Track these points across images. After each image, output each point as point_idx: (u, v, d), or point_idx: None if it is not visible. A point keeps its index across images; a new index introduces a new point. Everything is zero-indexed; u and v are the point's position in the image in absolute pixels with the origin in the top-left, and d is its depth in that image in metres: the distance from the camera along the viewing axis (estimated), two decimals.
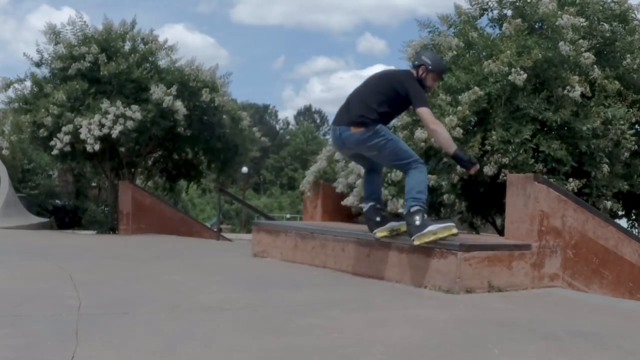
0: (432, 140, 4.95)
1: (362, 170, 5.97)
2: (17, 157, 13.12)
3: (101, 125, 8.83)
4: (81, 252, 6.35)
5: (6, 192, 11.24)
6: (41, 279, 4.04)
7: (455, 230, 3.80)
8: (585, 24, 5.26)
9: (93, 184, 16.24)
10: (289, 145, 57.73)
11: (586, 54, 5.03)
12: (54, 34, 9.73)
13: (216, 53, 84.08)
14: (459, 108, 5.00)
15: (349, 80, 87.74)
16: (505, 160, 4.89)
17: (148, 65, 9.79)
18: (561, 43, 4.96)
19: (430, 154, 5.37)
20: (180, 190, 15.57)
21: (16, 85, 9.87)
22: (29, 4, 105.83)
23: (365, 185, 4.34)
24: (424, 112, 3.87)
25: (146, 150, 10.46)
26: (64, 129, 8.98)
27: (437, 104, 5.19)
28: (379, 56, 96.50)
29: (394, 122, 5.84)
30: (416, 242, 3.67)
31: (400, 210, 5.14)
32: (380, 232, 4.01)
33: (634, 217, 6.17)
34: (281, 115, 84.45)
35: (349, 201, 6.63)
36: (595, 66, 5.13)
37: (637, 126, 5.63)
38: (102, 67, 9.16)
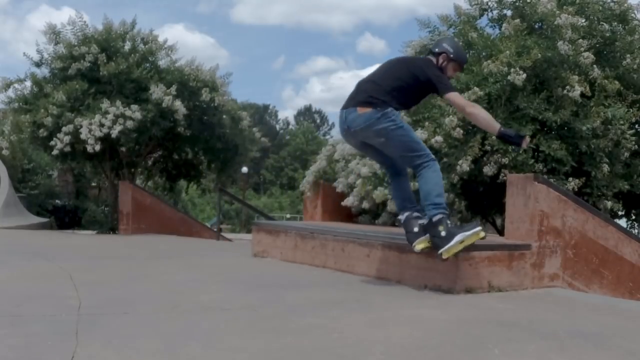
0: (433, 140, 4.96)
1: (362, 170, 5.92)
2: (17, 157, 13.12)
3: (101, 125, 8.83)
4: (81, 252, 6.35)
5: (6, 192, 11.24)
6: (41, 279, 4.04)
7: (483, 234, 3.56)
8: (585, 23, 5.27)
9: (93, 184, 16.24)
10: (289, 145, 57.74)
11: (586, 54, 5.04)
12: (54, 33, 9.74)
13: (216, 53, 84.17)
14: None
15: (349, 80, 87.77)
16: (505, 160, 4.90)
17: (148, 65, 9.79)
18: (560, 42, 4.96)
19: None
20: (180, 190, 15.57)
21: (16, 85, 9.88)
22: (28, 4, 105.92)
23: (394, 194, 3.90)
24: (454, 96, 3.55)
25: (146, 150, 10.46)
26: (64, 129, 8.98)
27: (437, 104, 5.20)
28: (379, 56, 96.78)
29: None
30: (445, 256, 3.33)
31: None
32: (420, 244, 3.53)
33: (633, 217, 6.18)
34: (281, 115, 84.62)
35: (349, 201, 6.64)
36: (595, 66, 5.14)
37: (637, 126, 5.64)
38: (102, 67, 9.16)
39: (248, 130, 11.59)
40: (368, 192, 6.17)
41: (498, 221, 6.04)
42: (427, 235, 3.50)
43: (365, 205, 6.55)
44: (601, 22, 5.56)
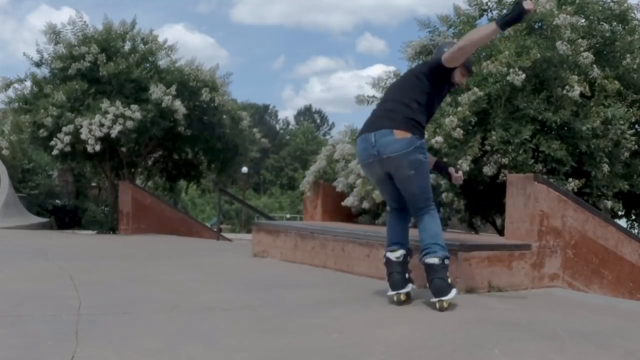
0: (433, 141, 4.96)
1: (362, 170, 5.82)
2: (17, 157, 13.12)
3: (101, 125, 8.83)
4: (81, 252, 6.35)
5: (6, 192, 11.24)
6: (41, 279, 4.04)
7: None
8: (584, 23, 5.26)
9: (93, 184, 16.24)
10: (289, 145, 57.74)
11: (585, 54, 5.03)
12: (54, 33, 9.74)
13: (216, 53, 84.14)
14: (459, 109, 5.00)
15: (348, 80, 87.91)
16: (505, 160, 4.89)
17: (148, 65, 9.79)
18: (559, 42, 4.96)
19: (430, 154, 5.36)
20: (180, 190, 15.58)
21: (16, 85, 9.87)
22: (28, 4, 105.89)
23: (393, 226, 3.41)
24: (446, 54, 3.20)
25: (146, 150, 10.46)
26: (64, 129, 8.98)
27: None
28: (379, 56, 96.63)
29: None
30: (445, 305, 2.99)
31: None
32: (405, 294, 3.19)
33: (633, 217, 6.18)
34: (281, 115, 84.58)
35: (349, 201, 6.63)
36: (594, 66, 5.13)
37: (637, 126, 5.63)
38: (102, 67, 9.16)
39: (248, 130, 11.59)
40: (368, 192, 6.17)
41: (498, 221, 6.04)
42: (411, 285, 3.22)
43: (365, 205, 6.54)
44: (601, 22, 5.56)
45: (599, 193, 5.12)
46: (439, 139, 4.97)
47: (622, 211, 5.84)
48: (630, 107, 5.19)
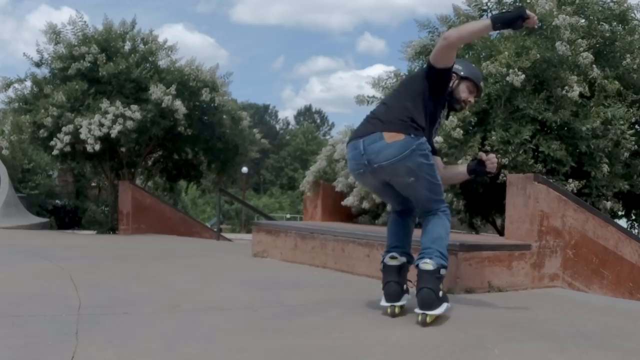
0: (433, 141, 4.96)
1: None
2: (17, 157, 13.14)
3: (101, 125, 8.83)
4: (81, 252, 6.35)
5: (6, 192, 11.24)
6: (41, 279, 4.04)
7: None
8: (584, 23, 5.26)
9: (93, 184, 16.26)
10: (289, 145, 57.75)
11: (585, 54, 5.04)
12: (54, 33, 9.74)
13: (216, 53, 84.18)
14: None
15: (348, 80, 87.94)
16: (505, 160, 4.90)
17: (148, 65, 9.79)
18: (558, 43, 4.96)
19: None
20: (180, 191, 15.58)
21: (16, 85, 9.87)
22: (28, 4, 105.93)
23: (395, 230, 3.01)
24: (432, 52, 2.85)
25: (146, 150, 10.46)
26: (64, 129, 8.98)
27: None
28: (379, 56, 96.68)
29: None
30: (428, 320, 2.65)
31: None
32: (400, 306, 2.87)
33: (633, 217, 6.18)
34: (281, 115, 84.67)
35: (349, 201, 6.64)
36: (594, 66, 5.14)
37: (637, 126, 5.63)
38: (101, 68, 9.16)
39: (248, 130, 11.59)
40: (368, 192, 6.17)
41: (498, 221, 6.05)
42: (407, 297, 2.89)
43: (365, 205, 6.55)
44: (601, 22, 5.56)
45: (599, 193, 5.12)
46: (439, 139, 4.97)
47: (622, 211, 5.84)
48: (630, 107, 5.19)
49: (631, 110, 5.14)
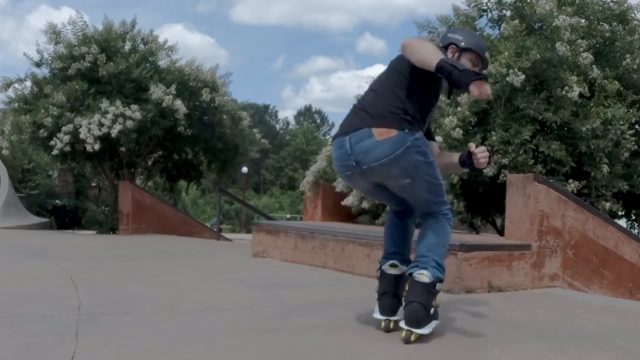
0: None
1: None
2: (17, 157, 13.14)
3: (100, 125, 8.83)
4: (81, 252, 6.35)
5: (6, 192, 11.25)
6: (41, 279, 4.04)
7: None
8: (584, 24, 5.26)
9: (93, 184, 16.27)
10: (289, 145, 57.75)
11: (584, 54, 5.04)
12: (54, 33, 9.74)
13: (216, 53, 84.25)
14: (459, 109, 5.00)
15: (348, 80, 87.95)
16: (505, 160, 4.90)
17: (148, 65, 9.80)
18: (558, 43, 4.97)
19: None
20: (180, 191, 15.59)
21: (16, 85, 9.88)
22: (28, 3, 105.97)
23: (393, 234, 2.67)
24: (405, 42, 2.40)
25: (146, 150, 10.46)
26: (63, 129, 8.99)
27: (437, 105, 5.20)
28: (379, 56, 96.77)
29: None
30: (412, 339, 2.33)
31: None
32: (395, 322, 2.52)
33: (633, 217, 6.18)
34: (281, 115, 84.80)
35: (349, 201, 6.64)
36: (594, 66, 5.14)
37: (637, 126, 5.64)
38: (101, 68, 9.16)
39: (248, 130, 11.59)
40: None
41: (498, 221, 6.05)
42: (402, 309, 2.46)
43: (365, 205, 6.55)
44: (601, 22, 5.56)
45: (599, 193, 5.12)
46: (439, 139, 4.97)
47: (621, 211, 5.85)
48: (630, 108, 5.20)
49: (631, 111, 5.14)
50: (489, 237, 5.50)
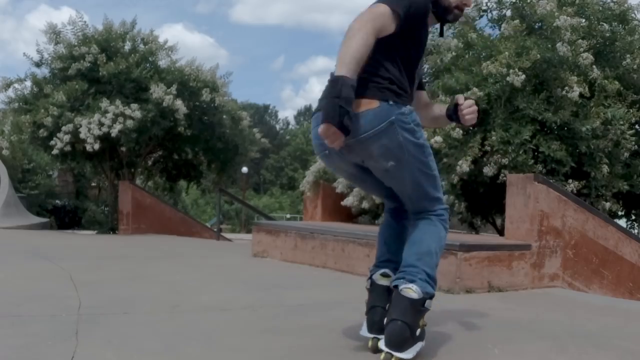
0: (432, 141, 4.96)
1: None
2: (17, 157, 13.15)
3: (100, 125, 8.84)
4: (81, 252, 6.35)
5: (6, 192, 11.25)
6: (41, 279, 4.04)
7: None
8: (584, 24, 5.26)
9: (93, 184, 16.28)
10: (289, 145, 57.75)
11: (585, 54, 5.04)
12: (54, 33, 9.75)
13: (216, 53, 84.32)
14: None
15: None
16: (505, 161, 4.90)
17: (148, 65, 9.80)
18: (559, 44, 4.97)
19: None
20: (181, 191, 15.60)
21: (16, 85, 9.89)
22: (28, 3, 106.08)
23: (386, 240, 2.33)
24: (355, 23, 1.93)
25: (146, 150, 10.46)
26: (63, 128, 8.99)
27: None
28: None
29: None
30: None
31: None
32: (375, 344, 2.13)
33: (633, 217, 6.18)
34: (281, 115, 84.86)
35: (349, 201, 6.64)
36: (594, 66, 5.14)
37: (637, 126, 5.64)
38: (101, 67, 9.17)
39: (248, 130, 11.60)
40: None
41: (498, 221, 6.05)
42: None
43: (365, 205, 6.55)
44: (601, 23, 5.56)
45: (598, 194, 5.13)
46: (439, 139, 4.97)
47: (621, 211, 5.85)
48: (630, 108, 5.20)
49: (631, 111, 5.14)
50: (489, 237, 5.49)
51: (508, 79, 4.85)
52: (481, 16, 5.95)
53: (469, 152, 4.94)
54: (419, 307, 2.03)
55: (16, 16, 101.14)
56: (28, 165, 14.30)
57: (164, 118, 9.39)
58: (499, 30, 5.66)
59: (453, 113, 2.39)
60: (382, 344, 2.02)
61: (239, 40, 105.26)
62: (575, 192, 4.88)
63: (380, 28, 1.96)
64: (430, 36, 6.36)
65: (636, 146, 5.29)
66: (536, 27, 5.50)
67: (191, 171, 11.61)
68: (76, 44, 9.58)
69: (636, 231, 6.16)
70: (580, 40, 5.10)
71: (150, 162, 11.53)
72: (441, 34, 2.66)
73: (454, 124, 4.81)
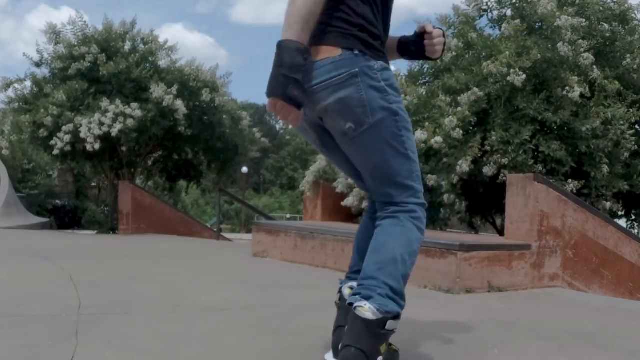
0: (433, 141, 4.96)
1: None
2: (17, 157, 13.15)
3: (101, 124, 8.84)
4: (81, 252, 6.35)
5: (6, 192, 11.25)
6: (41, 279, 4.04)
7: None
8: (585, 24, 5.26)
9: (93, 184, 16.28)
10: (289, 145, 57.75)
11: (585, 55, 5.04)
12: (54, 33, 9.75)
13: (216, 53, 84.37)
14: (459, 109, 5.00)
15: None
16: (505, 160, 4.90)
17: (148, 65, 9.81)
18: (559, 44, 4.97)
19: (430, 154, 5.36)
20: (181, 191, 15.60)
21: (16, 85, 9.90)
22: (27, 3, 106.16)
23: (359, 244, 2.15)
24: None
25: (146, 150, 10.47)
26: (64, 128, 9.00)
27: (437, 105, 5.20)
28: None
29: None
30: None
31: None
32: None
33: (633, 217, 6.18)
34: None
35: (349, 201, 6.63)
36: (594, 66, 5.14)
37: (637, 126, 5.64)
38: (101, 67, 9.17)
39: (248, 130, 11.60)
40: None
41: (498, 221, 6.05)
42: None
43: (365, 205, 6.54)
44: (601, 23, 5.57)
45: (599, 194, 5.13)
46: (439, 139, 4.97)
47: (621, 211, 5.85)
48: (630, 108, 5.20)
49: (631, 111, 5.15)
50: (489, 237, 5.49)
51: (509, 78, 4.85)
52: (481, 16, 5.95)
53: (469, 152, 4.94)
54: (376, 329, 1.63)
55: (16, 16, 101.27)
56: (28, 165, 14.29)
57: (164, 118, 9.40)
58: (499, 30, 5.66)
59: (414, 44, 1.96)
60: None
61: (238, 40, 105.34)
62: (575, 192, 4.88)
63: None
64: None
65: (636, 146, 5.30)
66: (537, 27, 5.50)
67: (191, 171, 11.61)
68: (76, 44, 9.58)
69: (636, 231, 6.16)
70: (580, 41, 5.10)
71: (150, 162, 11.53)
72: None
73: (456, 124, 4.80)
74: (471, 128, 5.26)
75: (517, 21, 5.19)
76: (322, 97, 1.66)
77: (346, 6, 1.68)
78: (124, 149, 9.66)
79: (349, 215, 7.01)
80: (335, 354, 1.82)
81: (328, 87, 1.64)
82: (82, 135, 8.88)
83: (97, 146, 8.91)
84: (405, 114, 1.75)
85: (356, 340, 1.62)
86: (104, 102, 8.97)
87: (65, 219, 14.56)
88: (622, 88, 5.23)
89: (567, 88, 4.95)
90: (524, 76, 4.83)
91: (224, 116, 10.70)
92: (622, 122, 5.03)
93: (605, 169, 5.06)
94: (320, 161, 7.45)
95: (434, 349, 2.30)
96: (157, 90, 9.14)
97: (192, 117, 9.96)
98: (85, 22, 9.83)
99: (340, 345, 1.68)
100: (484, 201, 5.63)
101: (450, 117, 4.95)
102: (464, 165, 4.91)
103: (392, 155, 1.71)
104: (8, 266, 4.67)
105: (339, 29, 1.67)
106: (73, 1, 74.72)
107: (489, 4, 5.91)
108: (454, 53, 5.57)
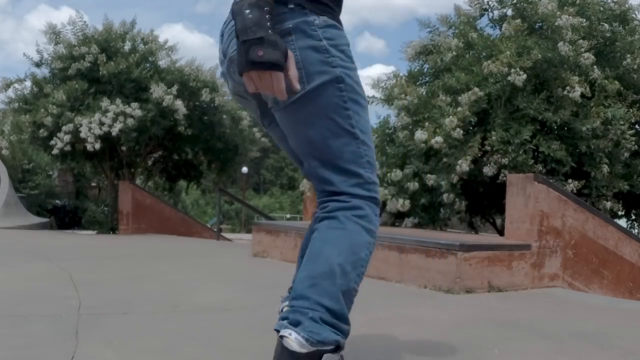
0: (433, 141, 4.96)
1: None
2: (17, 157, 13.15)
3: (101, 124, 8.84)
4: (81, 252, 6.35)
5: (6, 192, 11.25)
6: (41, 279, 4.03)
7: None
8: (585, 24, 5.27)
9: (93, 184, 16.28)
10: None
11: (586, 54, 5.04)
12: (54, 34, 9.76)
13: (216, 53, 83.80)
14: (459, 109, 5.00)
15: None
16: (505, 160, 4.90)
17: (148, 65, 9.81)
18: (560, 43, 4.97)
19: (430, 154, 5.36)
20: (181, 191, 15.61)
21: (16, 85, 9.91)
22: (27, 3, 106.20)
23: (302, 255, 1.74)
24: None
25: (146, 150, 10.47)
26: (64, 128, 9.01)
27: (437, 105, 5.20)
28: (378, 56, 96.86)
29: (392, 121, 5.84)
30: None
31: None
32: None
33: (633, 217, 6.18)
34: None
35: None
36: (595, 66, 5.14)
37: (637, 126, 5.64)
38: (101, 67, 9.18)
39: (248, 130, 11.61)
40: None
41: (498, 221, 6.05)
42: None
43: None
44: (601, 23, 5.56)
45: (599, 193, 5.13)
46: (439, 139, 4.97)
47: (622, 211, 5.85)
48: (631, 108, 5.20)
49: (631, 111, 5.15)
50: (488, 237, 5.49)
51: (509, 78, 4.86)
52: (482, 15, 5.95)
53: (469, 152, 4.94)
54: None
55: (16, 16, 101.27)
56: (28, 165, 14.29)
57: (164, 118, 9.40)
58: (500, 30, 5.66)
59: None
60: None
61: None
62: (575, 192, 4.88)
63: None
64: (430, 36, 6.33)
65: (636, 146, 5.30)
66: (537, 26, 5.50)
67: (191, 171, 11.61)
68: (76, 44, 9.58)
69: (636, 231, 6.16)
70: (581, 40, 5.10)
71: (150, 162, 11.54)
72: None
73: (456, 124, 4.78)
74: (471, 128, 5.26)
75: (518, 21, 5.19)
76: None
77: None
78: (124, 148, 9.66)
79: None
80: None
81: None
82: (82, 135, 8.89)
83: (97, 146, 8.92)
84: (357, 84, 1.42)
85: None
86: (104, 102, 8.98)
87: (65, 219, 14.56)
88: (622, 88, 5.23)
89: (567, 88, 4.95)
90: (524, 76, 4.83)
91: (224, 116, 10.70)
92: (622, 122, 5.03)
93: (606, 169, 5.06)
94: None
95: (434, 349, 2.30)
96: (157, 90, 9.15)
97: (192, 117, 9.96)
98: (85, 22, 9.87)
99: None
100: (483, 201, 5.63)
101: (451, 117, 4.95)
102: (463, 165, 4.90)
103: (332, 131, 1.38)
104: (8, 266, 4.67)
105: None
106: (73, 1, 74.83)
107: (490, 3, 5.91)
108: (454, 53, 5.57)
